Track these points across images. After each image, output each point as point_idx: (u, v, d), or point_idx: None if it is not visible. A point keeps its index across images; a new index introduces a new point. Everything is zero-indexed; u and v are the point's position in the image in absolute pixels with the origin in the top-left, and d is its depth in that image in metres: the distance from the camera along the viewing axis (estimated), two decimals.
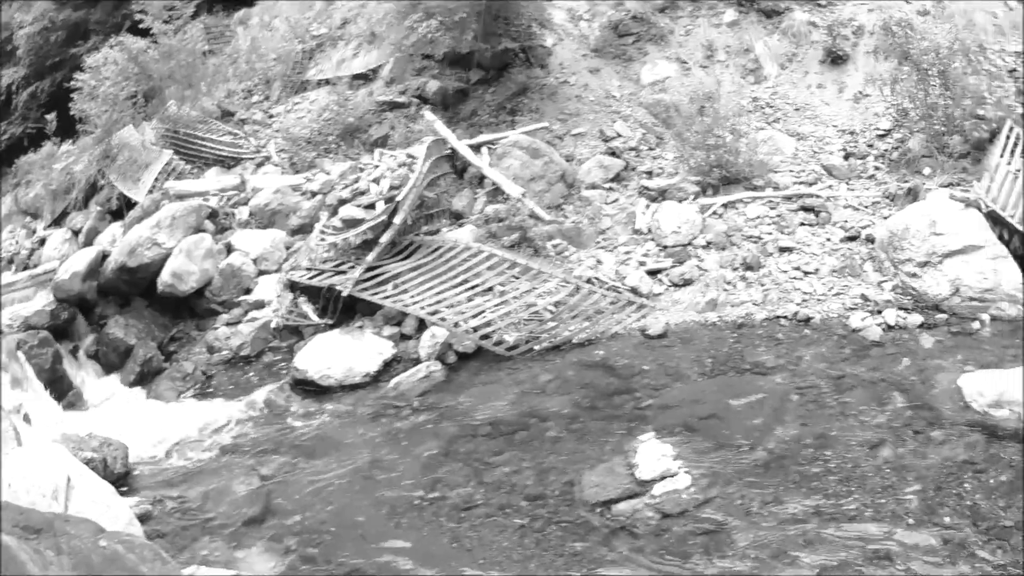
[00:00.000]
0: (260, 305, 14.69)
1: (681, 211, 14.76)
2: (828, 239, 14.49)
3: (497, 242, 14.45)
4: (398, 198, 14.48)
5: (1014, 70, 16.41)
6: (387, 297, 13.77)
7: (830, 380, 12.25)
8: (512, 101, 16.64)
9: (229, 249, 15.48)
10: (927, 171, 15.25)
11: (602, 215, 15.01)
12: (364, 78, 17.77)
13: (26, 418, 12.13)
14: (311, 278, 14.35)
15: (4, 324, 14.91)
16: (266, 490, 11.07)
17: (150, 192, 17.14)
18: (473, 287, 13.74)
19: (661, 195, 15.12)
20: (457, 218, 15.16)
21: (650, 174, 15.62)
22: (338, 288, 13.93)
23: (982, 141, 15.27)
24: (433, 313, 13.35)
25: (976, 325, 13.16)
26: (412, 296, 13.69)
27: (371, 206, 14.63)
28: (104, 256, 15.76)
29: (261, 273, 15.22)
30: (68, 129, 20.48)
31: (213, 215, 16.24)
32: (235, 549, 10.08)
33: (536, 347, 13.05)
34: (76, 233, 18.35)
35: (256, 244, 15.47)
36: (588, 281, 13.90)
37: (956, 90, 15.60)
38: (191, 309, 15.17)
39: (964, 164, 15.14)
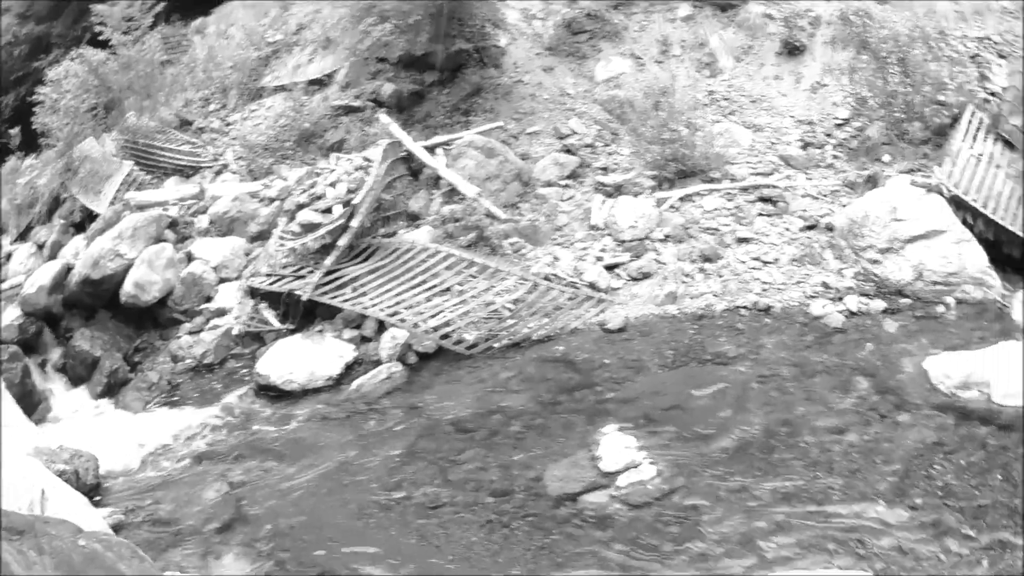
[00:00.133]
0: (221, 312, 14.67)
1: (637, 206, 14.81)
2: (787, 229, 14.55)
3: (454, 242, 14.48)
4: (355, 201, 14.48)
5: (976, 55, 16.53)
6: (346, 300, 13.78)
7: (793, 367, 12.35)
8: (467, 102, 16.64)
9: (190, 258, 15.45)
10: (887, 158, 15.37)
11: (558, 212, 15.04)
12: (320, 83, 17.76)
13: None
14: (271, 284, 14.34)
15: None
16: (235, 496, 11.12)
17: (111, 204, 17.07)
18: (432, 287, 13.77)
19: (617, 190, 15.18)
20: (414, 219, 15.16)
21: (606, 170, 15.63)
22: (298, 293, 13.93)
23: (943, 127, 15.42)
24: (392, 315, 13.37)
25: (941, 309, 13.26)
26: (371, 298, 13.70)
27: (328, 210, 14.60)
28: (68, 269, 15.75)
29: (222, 281, 15.19)
30: (31, 143, 20.41)
31: (173, 224, 16.21)
32: (208, 556, 10.14)
33: (496, 345, 13.08)
34: (41, 247, 18.27)
35: (216, 252, 15.44)
36: (546, 278, 13.95)
37: (916, 77, 15.77)
38: (154, 319, 15.12)
39: (925, 150, 15.30)
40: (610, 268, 14.14)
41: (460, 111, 16.48)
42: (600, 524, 10.17)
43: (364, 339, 13.51)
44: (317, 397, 12.88)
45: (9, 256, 18.89)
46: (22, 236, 19.52)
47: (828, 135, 16.05)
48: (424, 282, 13.83)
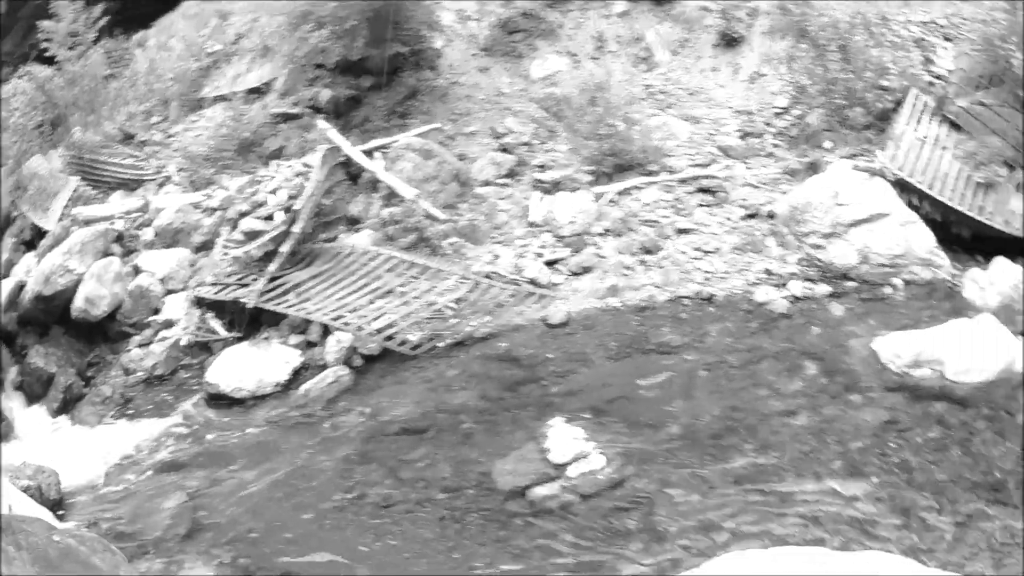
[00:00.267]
0: (169, 324, 14.68)
1: (576, 201, 14.92)
2: (728, 218, 14.73)
3: (395, 244, 14.56)
4: (296, 207, 14.54)
5: (921, 40, 16.66)
6: (291, 306, 13.83)
7: (738, 354, 12.51)
8: (403, 105, 16.69)
9: (137, 271, 15.45)
10: (828, 145, 15.55)
11: (497, 211, 15.14)
12: (259, 92, 17.78)
13: None
14: (216, 293, 14.38)
15: None
16: (193, 505, 11.20)
17: (60, 220, 17.10)
18: (374, 290, 13.83)
19: (555, 187, 15.27)
20: (354, 223, 15.21)
21: (543, 167, 15.71)
22: (243, 301, 13.97)
23: (886, 111, 15.61)
24: (336, 319, 13.43)
25: (888, 290, 13.46)
26: (315, 303, 13.77)
27: (270, 217, 14.66)
28: (22, 287, 15.74)
29: (168, 292, 15.18)
30: None
31: (120, 238, 16.22)
32: (170, 565, 10.23)
33: (440, 344, 13.16)
34: None
35: (162, 264, 15.44)
36: (487, 276, 14.06)
37: (857, 63, 15.92)
38: (105, 333, 15.12)
39: (867, 135, 15.50)
40: (550, 264, 14.25)
41: (397, 114, 16.54)
42: (553, 515, 10.31)
43: (310, 344, 13.55)
44: (267, 403, 12.93)
45: None
46: None
47: (767, 124, 16.19)
48: (366, 285, 13.89)
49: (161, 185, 17.58)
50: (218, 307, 14.35)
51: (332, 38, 16.06)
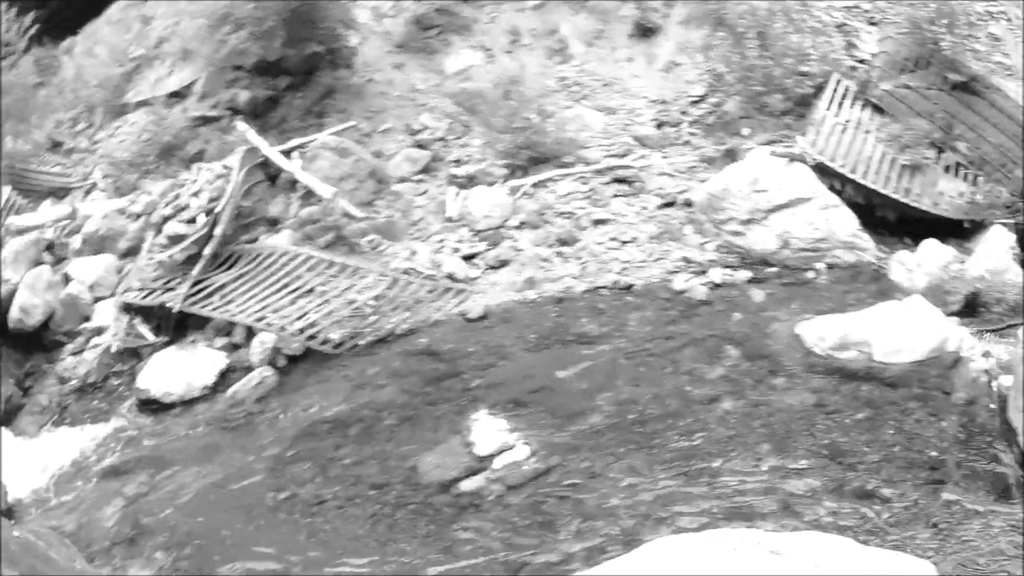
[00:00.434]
0: (99, 331, 14.75)
1: (491, 195, 15.05)
2: (644, 207, 14.85)
3: (314, 243, 14.64)
4: (217, 210, 14.66)
5: (843, 24, 16.80)
6: (215, 308, 13.95)
7: (659, 342, 12.60)
8: (320, 104, 16.77)
9: (67, 279, 15.49)
10: (746, 131, 15.69)
11: (413, 207, 15.26)
12: (179, 95, 17.85)
13: None
14: (143, 298, 14.44)
15: None
16: (132, 510, 11.33)
17: None
18: (295, 290, 13.93)
19: (470, 181, 15.39)
20: (274, 224, 15.30)
21: (458, 162, 15.81)
22: (168, 305, 14.06)
23: (806, 97, 15.72)
24: (259, 319, 13.54)
25: (811, 275, 13.58)
26: (238, 305, 13.87)
27: (193, 220, 14.74)
28: None
29: (97, 299, 15.25)
30: None
31: (50, 247, 16.29)
32: (114, 571, 10.39)
33: (361, 342, 13.29)
34: None
35: (91, 271, 15.49)
36: (405, 272, 14.17)
37: (776, 50, 16.04)
38: (40, 342, 15.17)
39: (787, 121, 15.62)
40: (467, 258, 14.39)
41: (314, 113, 16.61)
42: (481, 507, 10.48)
43: (235, 346, 13.68)
44: (197, 407, 13.05)
45: None
46: None
47: (683, 113, 16.30)
48: (287, 285, 13.97)
49: (88, 192, 17.60)
50: (146, 312, 14.40)
51: (250, 39, 16.11)
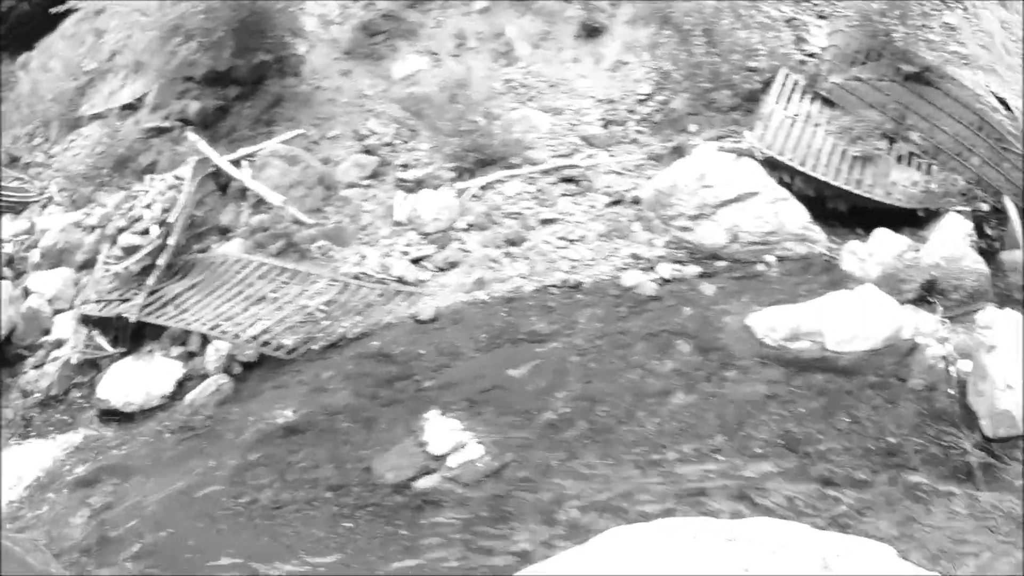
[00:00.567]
0: (60, 344, 14.88)
1: (439, 198, 15.18)
2: (592, 206, 15.00)
3: (265, 251, 14.78)
4: (169, 220, 14.79)
5: (792, 19, 16.94)
6: (170, 318, 14.08)
7: (609, 338, 12.75)
8: (268, 112, 16.85)
9: (27, 293, 15.62)
10: (693, 128, 15.80)
11: (362, 212, 15.34)
12: (132, 107, 17.94)
13: None
14: (100, 310, 14.59)
15: None
16: (98, 521, 11.44)
17: None
18: (248, 297, 14.09)
19: (418, 185, 15.50)
20: (225, 233, 15.44)
21: (406, 166, 15.90)
22: (125, 315, 14.21)
23: (754, 92, 15.85)
24: (214, 327, 13.70)
25: (761, 267, 13.72)
26: (193, 314, 14.03)
27: (147, 232, 14.89)
28: None
29: (57, 312, 15.40)
30: None
31: (11, 261, 16.42)
32: None
33: (314, 347, 13.43)
34: None
35: (49, 285, 15.59)
36: (355, 277, 14.33)
37: (723, 46, 16.19)
38: (3, 356, 15.32)
39: (735, 117, 15.76)
40: (416, 261, 14.53)
41: (263, 122, 16.69)
42: (437, 506, 10.65)
43: (191, 354, 13.85)
44: (156, 416, 13.18)
45: None
46: None
47: (630, 111, 16.42)
48: (240, 293, 14.15)
49: (44, 206, 17.70)
50: (104, 323, 14.55)
51: (200, 50, 16.17)
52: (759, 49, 16.15)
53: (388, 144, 16.31)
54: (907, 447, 10.35)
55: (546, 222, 14.77)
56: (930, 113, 15.22)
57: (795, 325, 11.99)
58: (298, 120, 16.70)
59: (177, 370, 13.66)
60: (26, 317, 15.33)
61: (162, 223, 14.87)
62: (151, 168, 16.56)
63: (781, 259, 13.75)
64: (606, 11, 17.61)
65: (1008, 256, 14.04)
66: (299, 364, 13.26)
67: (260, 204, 15.36)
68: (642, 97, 16.56)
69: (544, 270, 14.02)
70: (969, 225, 13.80)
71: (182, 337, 14.00)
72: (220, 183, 16.00)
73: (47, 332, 15.24)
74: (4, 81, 20.39)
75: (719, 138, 15.27)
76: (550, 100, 16.81)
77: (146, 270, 14.70)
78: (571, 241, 14.43)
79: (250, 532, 10.68)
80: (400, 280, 14.28)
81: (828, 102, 15.50)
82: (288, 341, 13.48)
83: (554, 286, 13.77)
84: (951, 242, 13.41)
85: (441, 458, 11.09)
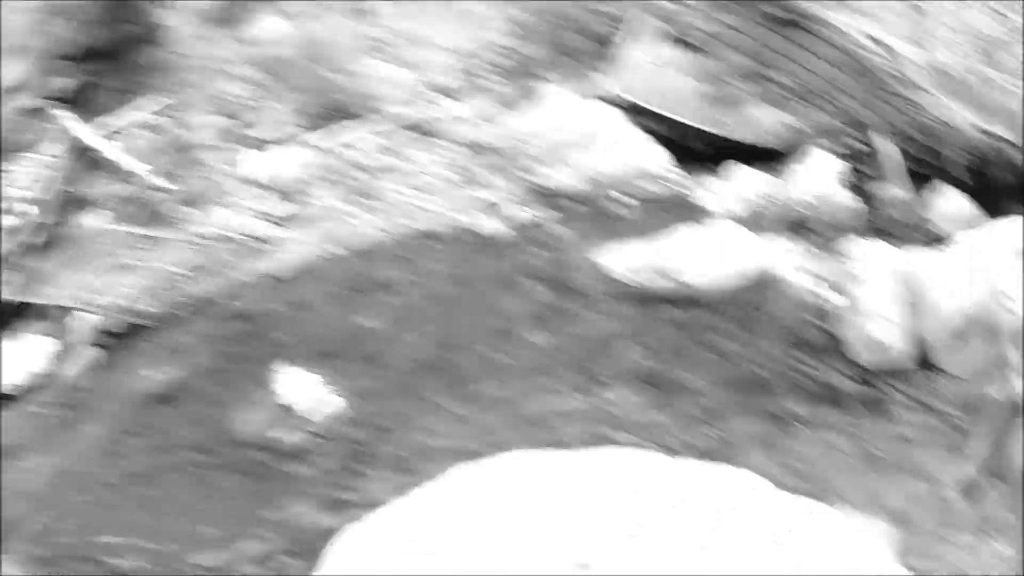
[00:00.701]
0: None
1: (294, 155, 15.22)
2: (446, 155, 14.96)
3: (131, 221, 14.81)
4: (41, 198, 14.95)
5: None
6: (40, 295, 14.15)
7: (463, 285, 12.78)
8: (134, 83, 16.70)
9: None
10: (548, 74, 15.62)
11: (220, 174, 15.36)
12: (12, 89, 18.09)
13: None
14: None
15: None
16: None
17: None
18: (114, 268, 14.17)
19: (274, 144, 15.52)
20: (91, 205, 15.37)
21: (262, 126, 15.91)
22: None
23: (611, 36, 15.58)
24: (83, 301, 13.82)
25: (619, 209, 13.64)
26: (62, 289, 14.10)
27: (21, 211, 15.06)
28: None
29: None
30: None
31: None
32: None
33: (178, 312, 13.42)
34: None
35: None
36: (213, 239, 14.37)
37: None
38: None
39: (591, 62, 15.53)
40: (272, 219, 14.56)
41: (129, 93, 16.58)
42: (300, 459, 10.81)
43: (60, 329, 13.84)
44: (30, 394, 13.17)
45: None
46: None
47: (485, 61, 16.30)
48: (107, 263, 14.26)
49: None
50: None
51: (68, 26, 16.26)
52: None
53: (245, 105, 16.29)
54: (776, 379, 10.47)
55: (397, 173, 14.80)
56: (798, 55, 14.94)
57: (652, 262, 12.00)
58: (161, 88, 16.60)
59: (48, 346, 13.69)
60: None
61: (33, 201, 15.05)
62: (24, 147, 16.72)
63: (640, 201, 13.70)
64: None
65: (879, 190, 13.95)
66: (164, 330, 13.28)
67: (125, 175, 15.41)
68: (497, 47, 16.40)
69: (398, 221, 14.06)
70: (838, 162, 13.74)
71: (52, 313, 14.05)
72: (88, 157, 15.95)
73: None
74: None
75: (574, 83, 15.20)
76: (407, 54, 16.67)
77: (19, 248, 14.94)
78: (424, 191, 14.47)
79: (130, 504, 10.88)
80: (257, 239, 14.30)
81: (690, 46, 15.21)
82: (153, 308, 13.58)
83: (406, 236, 13.77)
84: (819, 179, 13.44)
85: (300, 412, 11.24)
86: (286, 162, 15.17)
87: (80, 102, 16.62)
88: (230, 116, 16.16)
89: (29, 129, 16.81)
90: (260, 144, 15.60)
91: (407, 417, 10.99)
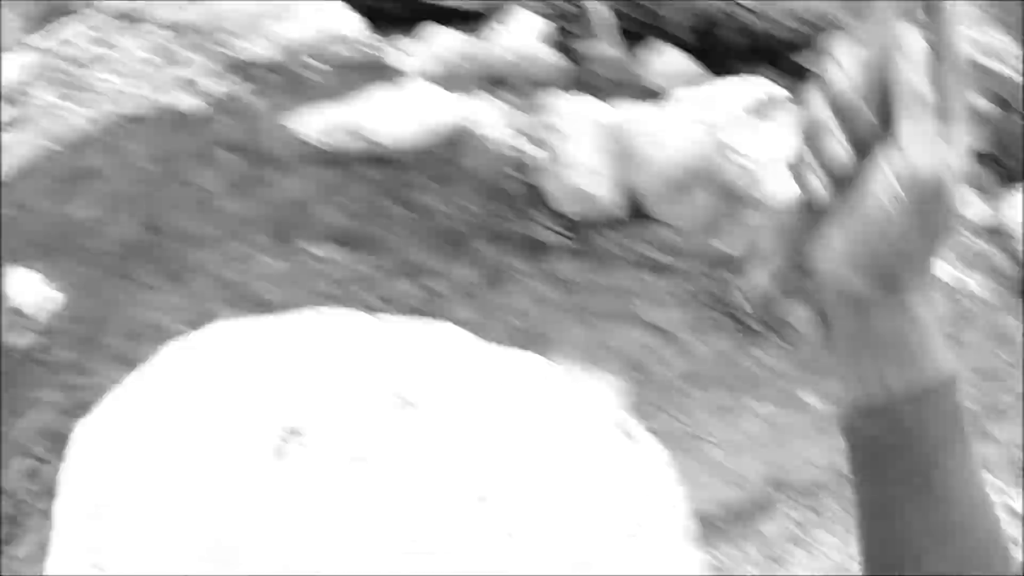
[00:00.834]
0: None
1: (12, 59, 15.00)
2: (145, 37, 15.05)
3: None
4: None
5: None
6: None
7: (163, 163, 12.63)
8: None
9: None
10: None
11: None
12: None
13: None
14: None
15: None
16: None
17: None
18: None
19: None
20: None
21: None
22: None
23: None
24: None
25: (311, 75, 13.47)
26: None
27: None
28: None
29: None
30: None
31: None
32: None
33: None
34: None
35: None
36: None
37: None
38: None
39: None
40: None
41: None
42: (32, 360, 11.12)
43: None
44: None
45: None
46: None
47: None
48: None
49: None
50: None
51: None
52: None
53: None
54: (477, 232, 10.57)
55: (108, 62, 15.03)
56: None
57: (342, 123, 11.81)
58: None
59: None
60: None
61: None
62: None
63: (333, 66, 13.57)
64: None
65: (586, 48, 13.97)
66: None
67: None
68: None
69: (103, 108, 14.12)
70: (540, 21, 13.58)
71: None
72: None
73: None
74: None
75: None
76: None
77: None
78: (129, 77, 14.63)
79: None
80: None
81: None
82: None
83: (114, 123, 13.70)
84: (520, 37, 13.42)
85: (26, 311, 11.58)
86: (9, 67, 15.12)
87: None
88: None
89: None
90: None
91: (122, 303, 11.27)
